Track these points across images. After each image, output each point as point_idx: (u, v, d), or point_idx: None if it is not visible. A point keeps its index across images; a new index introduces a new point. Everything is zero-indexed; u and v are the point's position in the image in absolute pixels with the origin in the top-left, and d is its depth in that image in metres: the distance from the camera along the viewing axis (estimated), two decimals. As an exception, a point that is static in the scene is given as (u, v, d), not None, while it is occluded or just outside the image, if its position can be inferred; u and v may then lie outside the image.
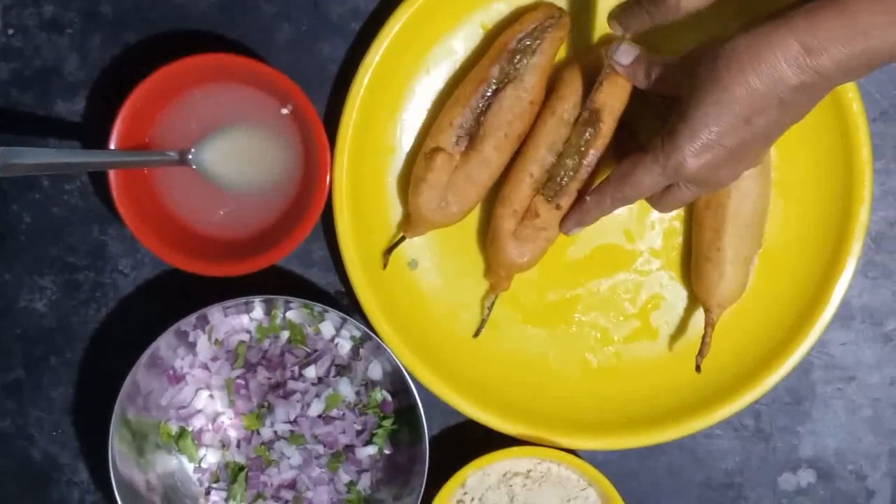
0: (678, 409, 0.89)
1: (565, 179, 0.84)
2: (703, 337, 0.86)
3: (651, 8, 0.74)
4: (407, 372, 0.86)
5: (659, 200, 0.80)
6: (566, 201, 0.84)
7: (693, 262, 0.87)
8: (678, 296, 0.92)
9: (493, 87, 0.85)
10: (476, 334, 0.90)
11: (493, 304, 0.88)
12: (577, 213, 0.83)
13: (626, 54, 0.81)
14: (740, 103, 0.71)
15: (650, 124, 0.86)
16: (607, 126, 0.84)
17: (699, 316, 0.91)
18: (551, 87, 0.85)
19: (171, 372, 0.89)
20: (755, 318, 0.90)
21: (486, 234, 0.88)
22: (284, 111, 0.86)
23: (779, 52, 0.69)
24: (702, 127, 0.72)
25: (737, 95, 0.71)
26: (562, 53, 0.88)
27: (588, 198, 0.81)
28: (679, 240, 0.91)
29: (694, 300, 0.91)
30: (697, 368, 0.86)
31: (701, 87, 0.72)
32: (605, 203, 0.80)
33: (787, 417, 0.94)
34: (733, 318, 0.89)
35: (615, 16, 0.79)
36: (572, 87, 0.85)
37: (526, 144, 0.84)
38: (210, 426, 0.91)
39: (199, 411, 0.91)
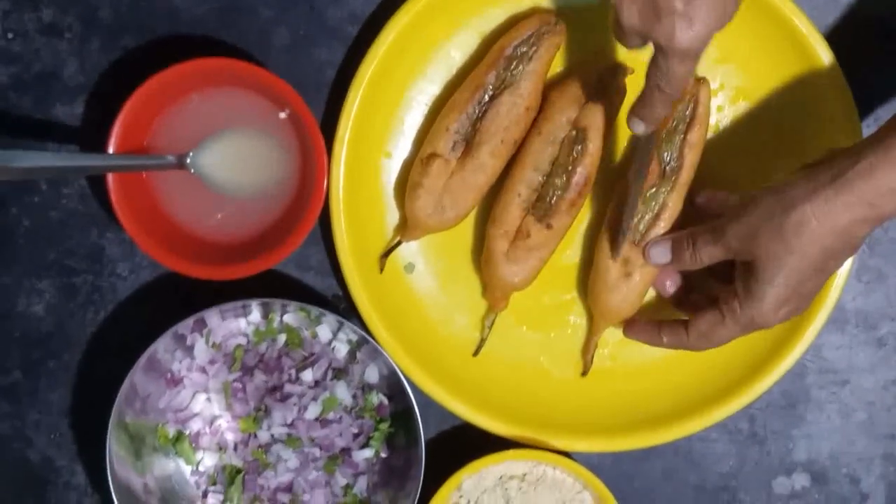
0: (673, 411, 0.90)
1: (554, 198, 0.84)
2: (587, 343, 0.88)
3: (667, 86, 0.74)
4: (403, 375, 0.86)
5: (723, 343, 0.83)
6: (557, 220, 0.84)
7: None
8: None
9: (490, 93, 0.85)
10: (476, 353, 0.90)
11: (492, 322, 0.89)
12: (647, 336, 0.86)
13: (661, 254, 0.83)
14: (816, 262, 0.75)
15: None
16: (594, 144, 0.84)
17: None
18: (541, 103, 0.86)
19: (168, 375, 0.90)
20: None
21: (482, 254, 0.88)
22: (282, 115, 0.87)
23: (848, 215, 0.73)
24: (781, 287, 0.76)
25: (813, 258, 0.75)
26: (558, 61, 0.88)
27: (664, 337, 0.83)
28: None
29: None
30: (584, 373, 0.89)
31: (772, 255, 0.75)
32: (678, 348, 0.84)
33: (782, 421, 0.94)
34: None
35: (635, 113, 0.78)
36: (558, 107, 0.85)
37: (513, 165, 0.85)
38: (207, 429, 0.91)
39: (197, 414, 0.91)
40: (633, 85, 0.82)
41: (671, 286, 0.86)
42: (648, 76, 0.74)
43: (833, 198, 0.72)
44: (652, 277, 0.85)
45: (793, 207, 0.72)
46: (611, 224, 0.85)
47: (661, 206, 0.83)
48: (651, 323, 0.85)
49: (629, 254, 0.84)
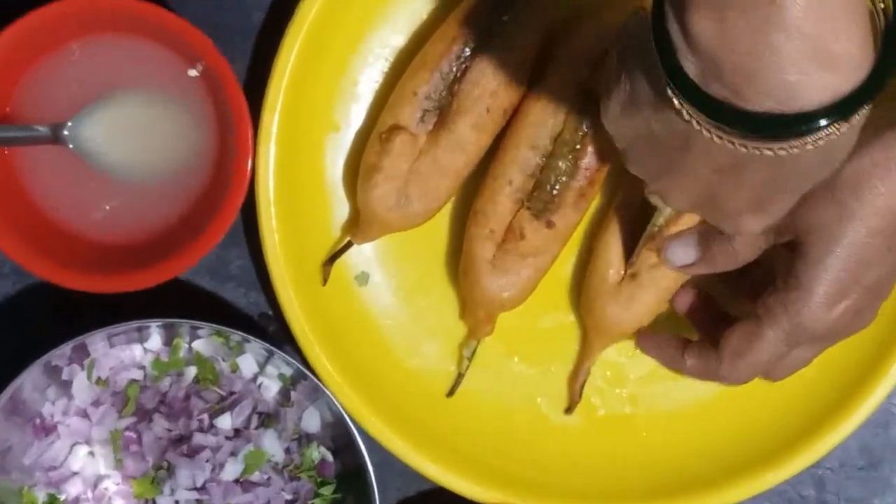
0: (712, 473, 0.86)
1: (557, 187, 0.81)
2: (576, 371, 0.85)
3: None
4: (353, 423, 0.83)
5: (775, 372, 0.78)
6: (560, 217, 0.81)
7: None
8: None
9: (472, 45, 0.81)
10: (451, 393, 0.86)
11: (473, 352, 0.85)
12: (665, 356, 0.82)
13: (684, 252, 0.80)
14: (883, 232, 0.70)
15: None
16: None
17: None
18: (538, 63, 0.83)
19: (37, 421, 0.86)
20: None
21: (460, 261, 0.85)
22: (192, 73, 0.83)
23: None
24: (834, 270, 0.71)
25: (877, 226, 0.70)
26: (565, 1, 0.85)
27: (688, 360, 0.80)
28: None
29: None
30: (568, 409, 0.85)
31: (822, 225, 0.71)
32: (705, 377, 0.79)
33: (861, 487, 0.90)
34: None
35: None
36: (564, 65, 0.82)
37: (503, 142, 0.83)
38: (90, 494, 0.87)
39: (76, 474, 0.87)
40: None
41: (685, 300, 0.83)
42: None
43: (891, 140, 0.69)
44: (667, 283, 0.82)
45: (846, 159, 0.64)
46: (622, 214, 0.83)
47: None
48: (672, 337, 0.82)
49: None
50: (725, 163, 0.60)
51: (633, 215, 0.82)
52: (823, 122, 0.54)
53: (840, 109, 0.54)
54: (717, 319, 0.82)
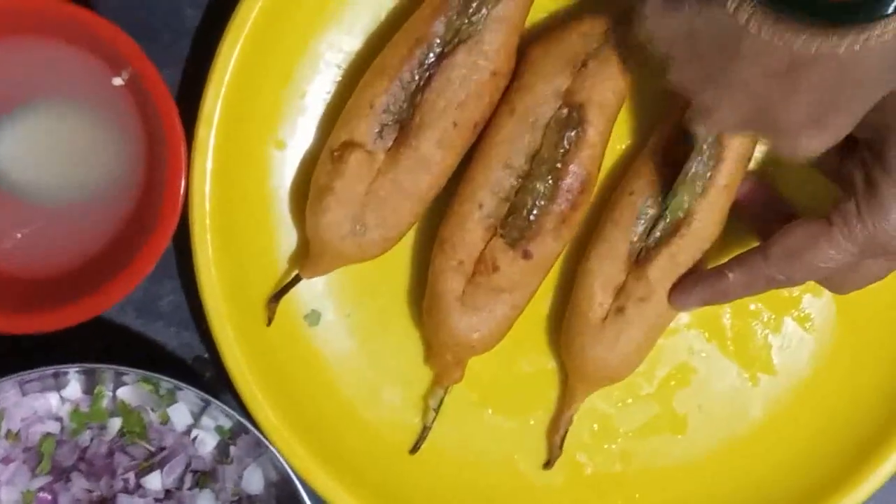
0: None
1: (535, 212, 0.78)
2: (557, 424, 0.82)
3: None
4: (301, 482, 0.79)
5: (841, 282, 0.75)
6: (538, 246, 0.78)
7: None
8: (717, 367, 0.84)
9: (437, 50, 0.78)
10: (414, 449, 0.83)
11: (439, 404, 0.82)
12: (706, 288, 0.78)
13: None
14: None
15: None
16: (596, 129, 0.78)
17: (753, 395, 0.84)
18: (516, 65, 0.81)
19: None
20: (843, 391, 0.83)
21: (424, 297, 0.82)
22: (117, 81, 0.80)
23: None
24: None
25: None
26: (541, 2, 0.81)
27: (730, 274, 0.76)
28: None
29: (740, 371, 0.86)
30: (547, 464, 0.82)
31: None
32: (756, 285, 0.75)
33: None
34: (812, 392, 0.83)
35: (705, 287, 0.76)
36: (541, 72, 0.79)
37: (473, 160, 0.80)
38: None
39: None
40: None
41: (743, 188, 0.80)
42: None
43: None
44: (658, 318, 0.79)
45: None
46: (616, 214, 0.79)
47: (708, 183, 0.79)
48: (707, 272, 0.78)
49: (624, 278, 0.78)
50: (780, 66, 0.58)
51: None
52: (892, 8, 0.54)
53: None
54: (775, 216, 0.79)
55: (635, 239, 0.78)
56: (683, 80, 0.65)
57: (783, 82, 0.58)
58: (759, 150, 0.82)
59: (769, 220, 0.79)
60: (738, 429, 0.84)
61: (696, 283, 0.79)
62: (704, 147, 0.78)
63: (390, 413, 0.83)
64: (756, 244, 0.80)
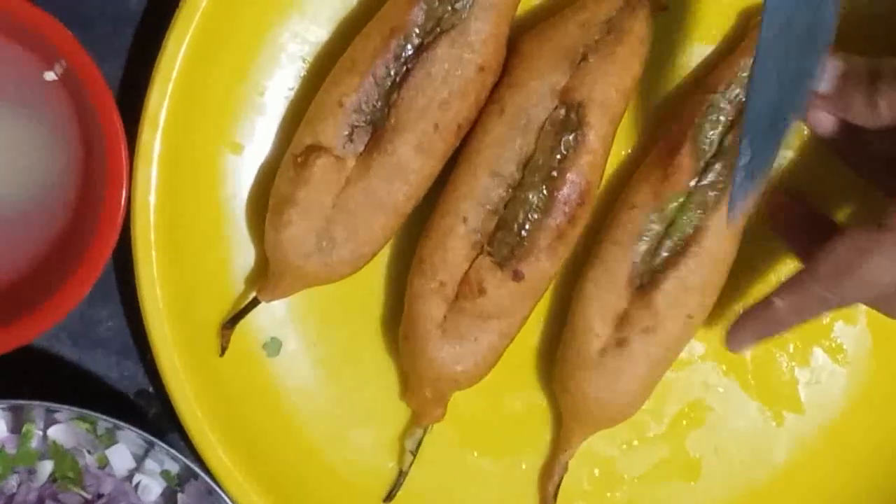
0: None
1: (527, 227, 0.75)
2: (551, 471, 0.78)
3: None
4: None
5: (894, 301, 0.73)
6: (531, 265, 0.74)
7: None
8: (736, 404, 0.80)
9: (416, 40, 0.75)
10: (389, 497, 0.79)
11: (418, 446, 0.78)
12: (757, 322, 0.74)
13: (828, 73, 0.72)
14: None
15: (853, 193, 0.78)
16: (597, 132, 0.74)
17: (776, 437, 0.80)
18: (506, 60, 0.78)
19: None
20: (877, 433, 0.79)
21: (400, 324, 0.79)
22: (49, 76, 0.76)
23: None
24: None
25: None
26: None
27: (778, 301, 0.71)
28: (739, 307, 0.81)
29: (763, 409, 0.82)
30: None
31: None
32: (809, 310, 0.72)
33: None
34: (843, 433, 0.80)
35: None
36: (535, 67, 0.76)
37: (457, 168, 0.76)
38: None
39: None
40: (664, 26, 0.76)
41: (775, 200, 0.77)
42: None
43: None
44: (664, 350, 0.75)
45: None
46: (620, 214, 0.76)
47: None
48: (755, 304, 0.74)
49: (626, 306, 0.75)
50: None
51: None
52: None
53: None
54: (816, 231, 0.76)
55: (638, 260, 0.74)
56: None
57: None
58: (785, 158, 0.76)
59: (811, 237, 0.75)
60: (758, 475, 0.80)
61: (746, 319, 0.75)
62: (717, 150, 0.74)
63: (361, 456, 0.79)
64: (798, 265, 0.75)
